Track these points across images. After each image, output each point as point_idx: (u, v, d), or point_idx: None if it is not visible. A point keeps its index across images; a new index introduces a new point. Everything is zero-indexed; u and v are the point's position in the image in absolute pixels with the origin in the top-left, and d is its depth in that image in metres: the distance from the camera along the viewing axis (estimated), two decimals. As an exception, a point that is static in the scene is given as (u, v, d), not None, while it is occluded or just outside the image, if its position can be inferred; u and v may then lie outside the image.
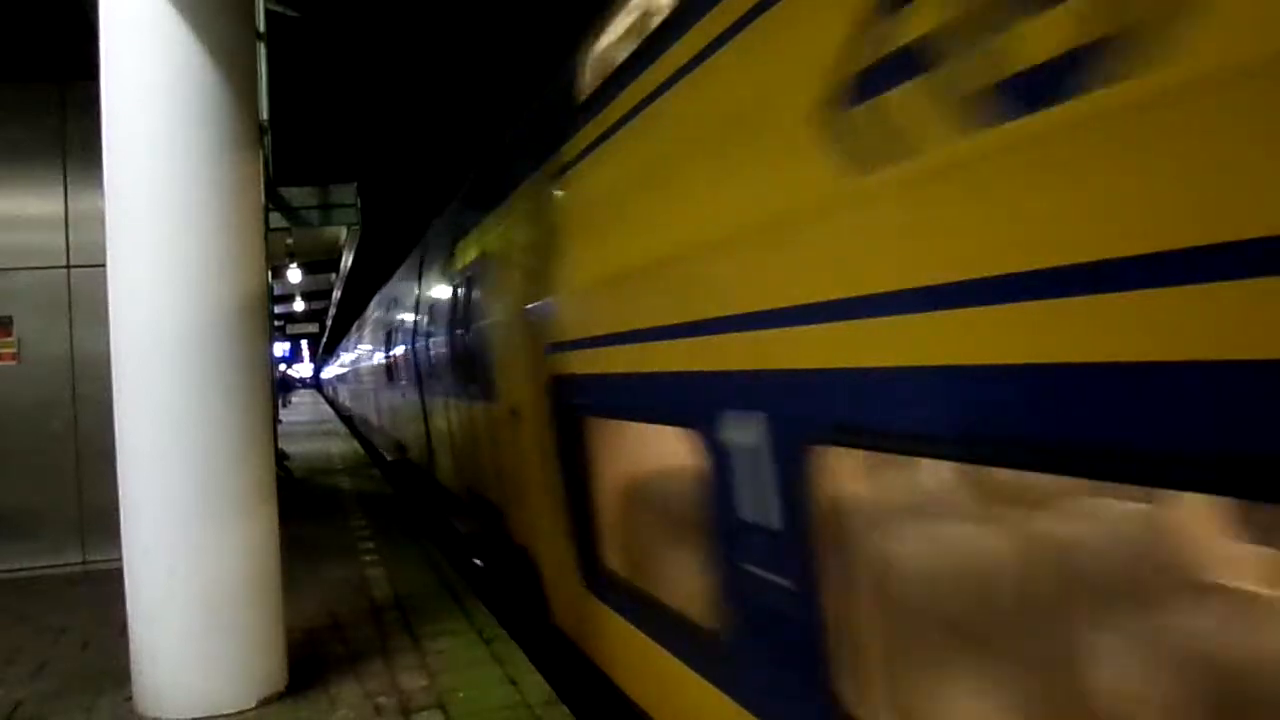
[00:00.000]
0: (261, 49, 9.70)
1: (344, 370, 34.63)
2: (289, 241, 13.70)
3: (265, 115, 10.45)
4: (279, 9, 10.24)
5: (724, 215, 2.84)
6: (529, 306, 4.98)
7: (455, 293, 7.74)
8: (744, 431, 2.72)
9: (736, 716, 2.88)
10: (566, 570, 4.72)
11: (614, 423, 4.11)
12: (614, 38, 4.36)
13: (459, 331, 7.39)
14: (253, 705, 4.30)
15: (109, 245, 4.29)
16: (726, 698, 2.98)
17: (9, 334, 7.39)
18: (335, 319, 39.05)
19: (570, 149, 4.53)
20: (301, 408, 42.74)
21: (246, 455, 4.35)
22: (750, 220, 2.66)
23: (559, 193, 4.73)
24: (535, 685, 4.54)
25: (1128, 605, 2.25)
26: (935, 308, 1.89)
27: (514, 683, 4.58)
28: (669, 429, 3.40)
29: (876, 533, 2.54)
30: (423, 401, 10.45)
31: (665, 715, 3.63)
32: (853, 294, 2.16)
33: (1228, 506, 2.24)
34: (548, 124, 5.16)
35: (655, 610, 3.75)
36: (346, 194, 13.06)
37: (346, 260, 18.16)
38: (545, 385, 4.69)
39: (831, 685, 2.37)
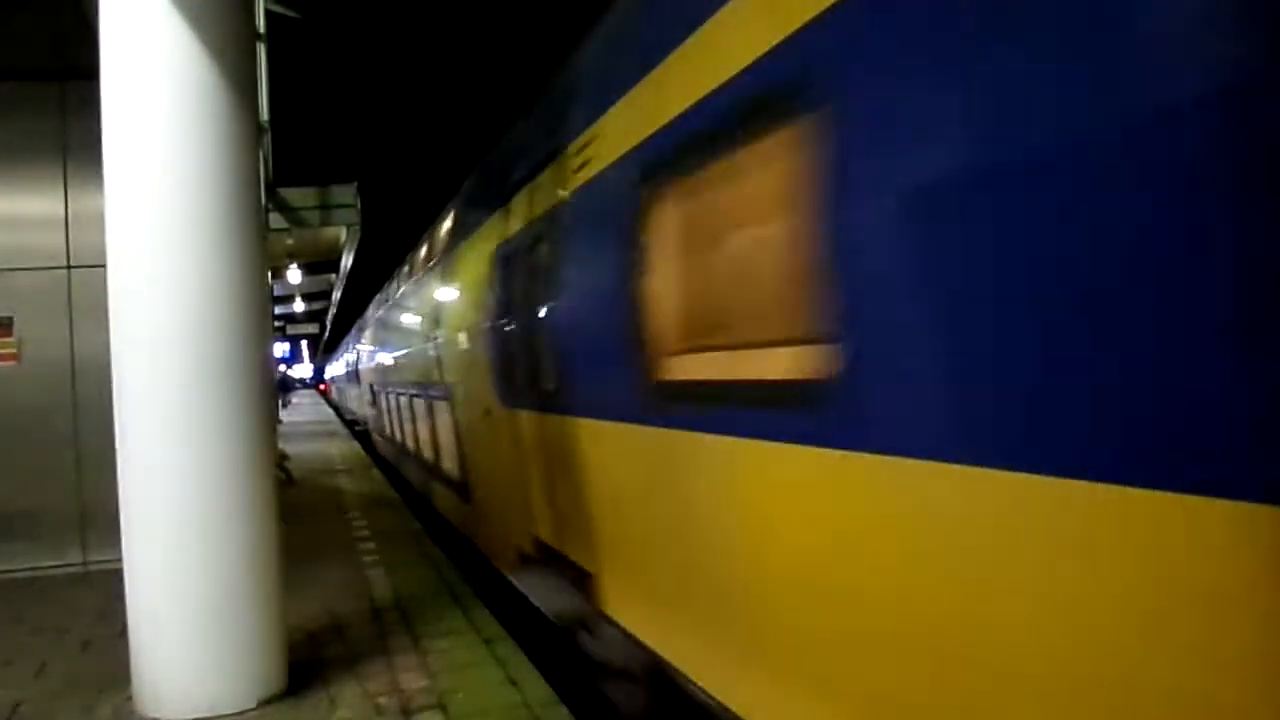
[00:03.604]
0: (261, 49, 9.70)
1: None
2: (289, 242, 13.71)
3: (265, 115, 10.46)
4: (279, 9, 10.24)
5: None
6: None
7: None
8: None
9: None
10: None
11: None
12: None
13: None
14: (253, 706, 4.30)
15: (109, 245, 4.29)
16: None
17: (9, 334, 7.39)
18: (335, 319, 39.05)
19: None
20: (301, 408, 42.75)
21: (247, 455, 4.34)
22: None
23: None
24: (535, 686, 4.54)
25: None
26: None
27: (514, 683, 4.58)
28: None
29: None
30: None
31: None
32: None
33: None
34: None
35: None
36: (346, 194, 13.06)
37: (346, 261, 18.16)
38: None
39: None
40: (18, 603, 6.44)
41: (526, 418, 5.54)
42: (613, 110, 4.08)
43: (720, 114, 3.04)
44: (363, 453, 18.46)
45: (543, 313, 5.11)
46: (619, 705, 4.52)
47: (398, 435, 13.41)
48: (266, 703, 4.35)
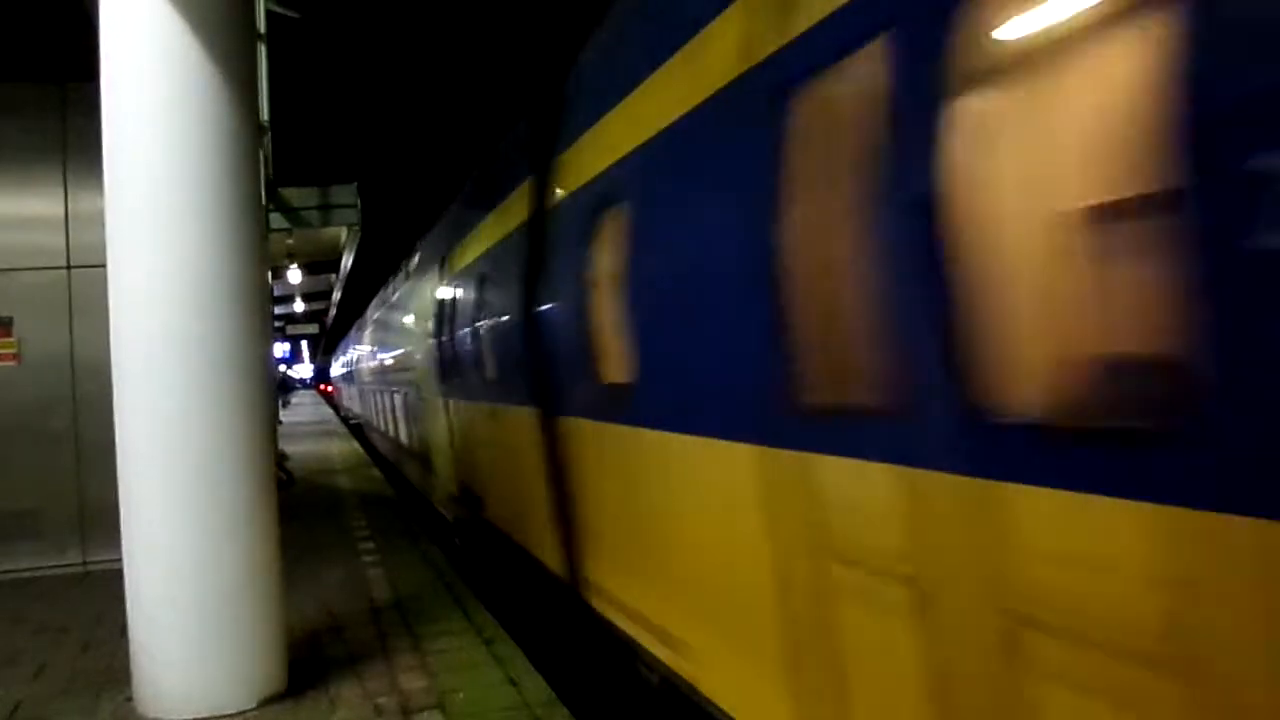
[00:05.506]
0: (261, 49, 9.69)
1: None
2: (289, 242, 13.72)
3: (265, 115, 10.45)
4: (279, 9, 10.24)
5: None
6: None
7: None
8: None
9: None
10: None
11: None
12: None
13: None
14: (253, 705, 4.30)
15: (109, 245, 4.29)
16: None
17: (9, 334, 7.39)
18: (335, 319, 39.05)
19: None
20: (302, 409, 42.75)
21: (246, 455, 4.34)
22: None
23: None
24: (535, 686, 4.54)
25: None
26: None
27: (514, 683, 4.58)
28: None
29: None
30: None
31: None
32: None
33: None
34: None
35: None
36: (346, 194, 13.06)
37: (346, 261, 18.16)
38: None
39: None
40: (18, 603, 6.45)
41: None
42: None
43: None
44: (362, 452, 18.44)
45: None
46: None
47: None
48: (266, 702, 4.35)
